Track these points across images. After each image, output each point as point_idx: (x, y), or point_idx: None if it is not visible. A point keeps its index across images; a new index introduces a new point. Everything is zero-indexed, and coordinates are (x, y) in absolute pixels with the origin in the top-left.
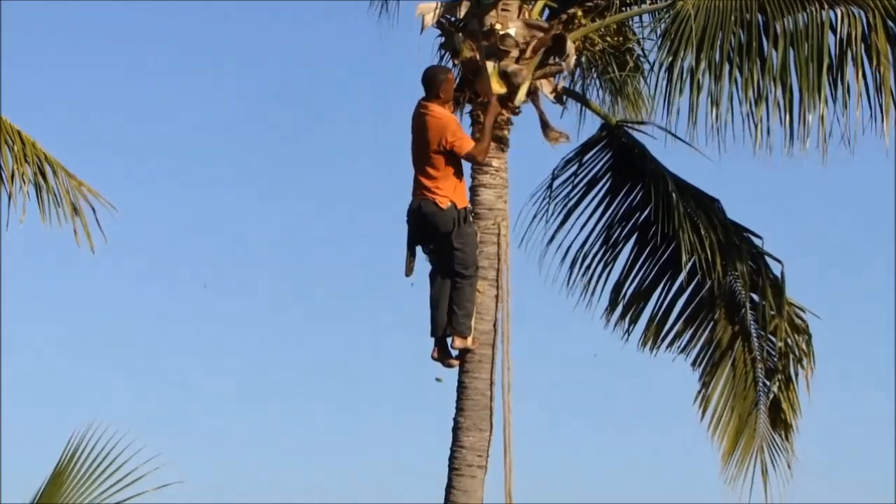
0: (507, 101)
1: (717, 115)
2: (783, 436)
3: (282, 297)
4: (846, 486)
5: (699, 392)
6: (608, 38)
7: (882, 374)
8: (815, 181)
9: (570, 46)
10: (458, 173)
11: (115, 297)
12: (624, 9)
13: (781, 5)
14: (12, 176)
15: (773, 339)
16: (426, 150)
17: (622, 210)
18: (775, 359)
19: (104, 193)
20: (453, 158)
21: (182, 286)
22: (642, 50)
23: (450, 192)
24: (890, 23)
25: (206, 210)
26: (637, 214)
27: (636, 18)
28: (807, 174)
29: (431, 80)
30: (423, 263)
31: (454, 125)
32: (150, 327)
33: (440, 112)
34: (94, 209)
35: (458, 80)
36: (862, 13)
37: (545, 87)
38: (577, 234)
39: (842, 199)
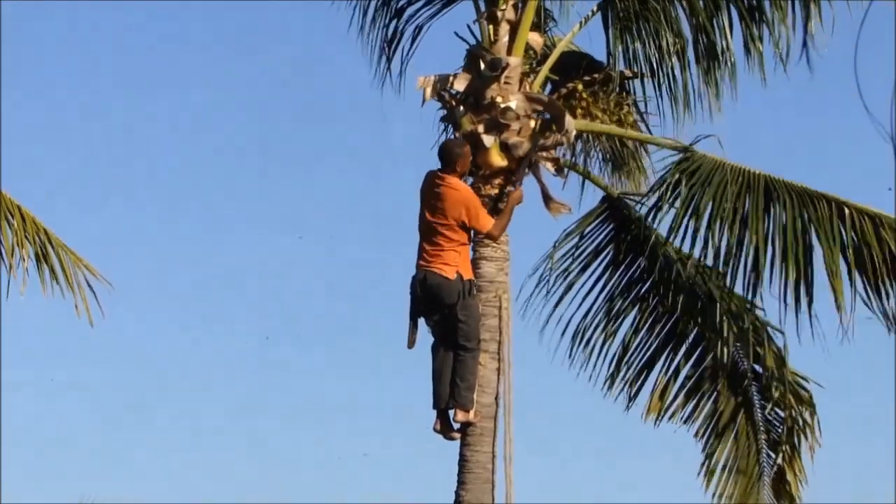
0: (508, 174)
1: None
2: None
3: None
4: (852, 489)
5: (703, 463)
6: (609, 112)
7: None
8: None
9: (570, 121)
10: (465, 245)
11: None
12: (626, 83)
13: None
14: (12, 251)
15: (776, 410)
16: (440, 221)
17: (623, 282)
18: (779, 430)
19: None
20: (465, 231)
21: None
22: (646, 123)
23: (457, 263)
24: None
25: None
26: (638, 286)
27: (638, 91)
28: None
29: (449, 153)
30: (426, 335)
31: (476, 201)
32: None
33: (460, 185)
34: (91, 287)
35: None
36: None
37: (546, 160)
38: (579, 306)
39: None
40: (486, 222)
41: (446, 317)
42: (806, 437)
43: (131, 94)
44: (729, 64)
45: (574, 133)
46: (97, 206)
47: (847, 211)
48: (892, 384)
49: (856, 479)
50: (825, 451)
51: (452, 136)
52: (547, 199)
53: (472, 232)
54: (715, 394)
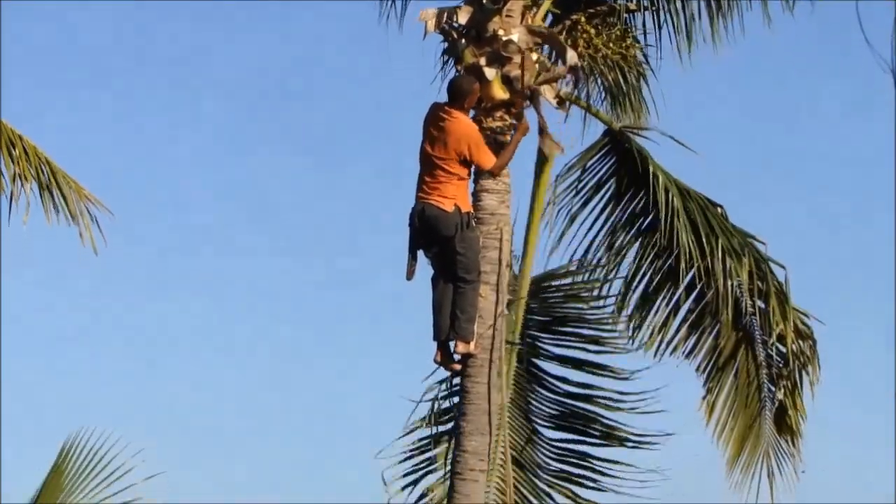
0: (509, 106)
1: None
2: (789, 441)
3: (277, 286)
4: (851, 489)
5: (704, 397)
6: (611, 45)
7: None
8: (819, 183)
9: (572, 54)
10: (465, 178)
11: (105, 298)
12: (627, 16)
13: None
14: (13, 178)
15: (778, 345)
16: (441, 154)
17: (625, 216)
18: (780, 364)
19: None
20: (465, 165)
21: (173, 286)
22: (645, 56)
23: (455, 195)
24: None
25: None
26: (640, 220)
27: (640, 24)
28: (810, 175)
29: (458, 88)
30: (425, 267)
31: (479, 137)
32: (140, 324)
33: (464, 120)
34: (91, 215)
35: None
36: None
37: (547, 93)
38: (581, 240)
39: (844, 201)
40: (488, 159)
41: (445, 249)
42: (807, 372)
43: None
44: None
45: (576, 66)
46: (98, 134)
47: None
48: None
49: (854, 416)
50: (824, 388)
51: (460, 73)
52: (543, 134)
53: (472, 167)
54: (716, 329)
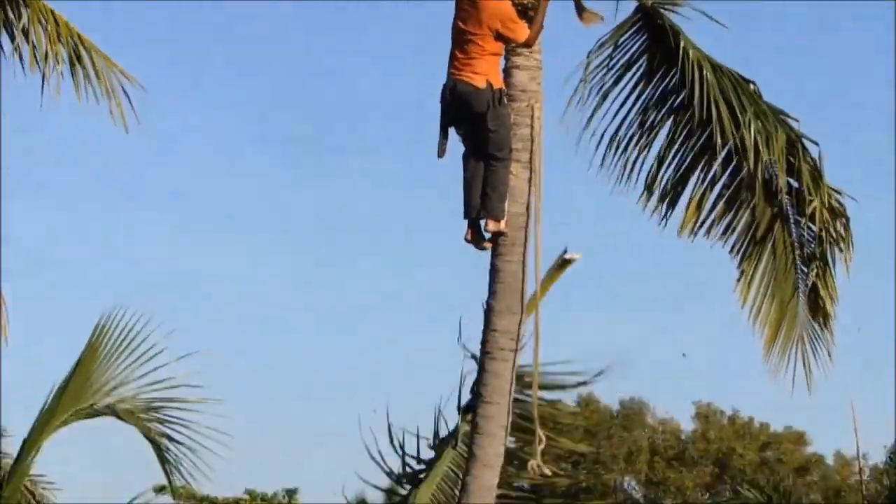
0: None
1: None
2: (822, 323)
3: (305, 166)
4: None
5: (739, 279)
6: None
7: None
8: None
9: None
10: (498, 54)
11: (140, 176)
12: None
13: None
14: (46, 56)
15: (810, 224)
16: (474, 29)
17: (658, 93)
18: (812, 244)
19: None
20: (499, 40)
21: (208, 158)
22: None
23: (487, 72)
24: None
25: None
26: (672, 98)
27: None
28: (848, 54)
29: None
30: (457, 144)
31: (511, 10)
32: (171, 202)
33: None
34: (125, 91)
35: None
36: None
37: None
38: (613, 118)
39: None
40: (522, 32)
41: (476, 126)
42: (840, 250)
43: None
44: None
45: None
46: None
47: None
48: None
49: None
50: (857, 268)
51: None
52: (580, 8)
53: (505, 42)
54: (750, 207)
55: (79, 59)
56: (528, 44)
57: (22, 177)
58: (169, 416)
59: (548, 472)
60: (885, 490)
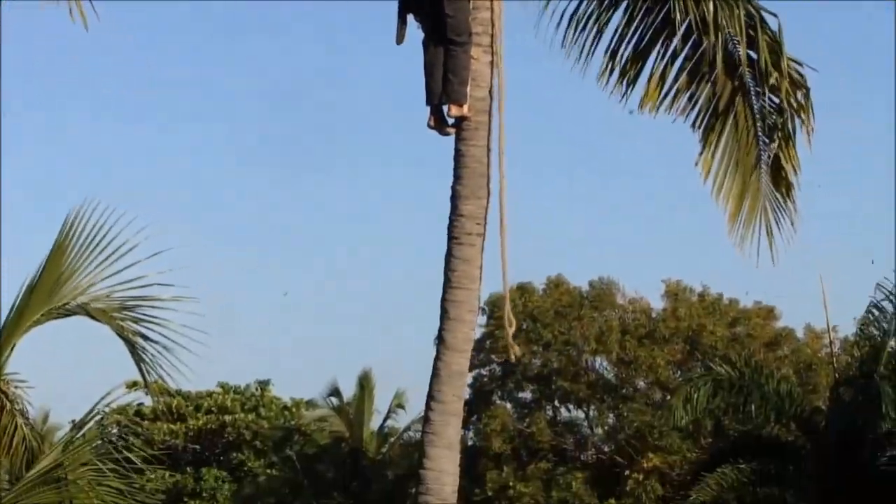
0: None
1: None
2: (785, 194)
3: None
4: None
5: (701, 153)
6: None
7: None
8: None
9: None
10: None
11: (114, 69)
12: None
13: None
14: None
15: (771, 96)
16: None
17: None
18: (774, 116)
19: None
20: None
21: (180, 63)
22: None
23: None
24: None
25: None
26: None
27: None
28: None
29: None
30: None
31: None
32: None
33: None
34: None
35: None
36: None
37: None
38: None
39: None
40: None
41: (435, 12)
42: (802, 121)
43: None
44: None
45: None
46: None
47: None
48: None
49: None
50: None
51: None
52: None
53: None
54: (712, 79)
55: None
56: None
57: None
58: (143, 314)
59: (519, 352)
60: (855, 362)
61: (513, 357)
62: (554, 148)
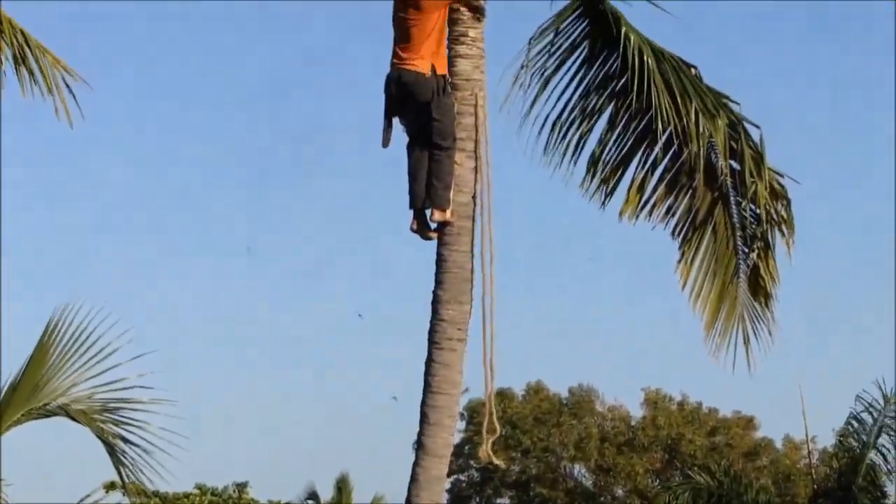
0: None
1: None
2: (763, 303)
3: (259, 164)
4: (826, 345)
5: (679, 260)
6: None
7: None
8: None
9: None
10: (440, 40)
11: (92, 173)
12: None
13: None
14: None
15: (752, 206)
16: (413, 14)
17: (599, 78)
18: (754, 225)
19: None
20: (439, 21)
21: (157, 161)
22: None
23: (431, 55)
24: None
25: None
26: (614, 83)
27: None
28: (785, 38)
29: None
30: (400, 134)
31: None
32: (126, 203)
33: None
34: (69, 87)
35: None
36: None
37: None
38: (555, 104)
39: (819, 66)
40: None
41: (421, 115)
42: (782, 233)
43: None
44: None
45: None
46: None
47: None
48: None
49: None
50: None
51: None
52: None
53: (447, 29)
54: (692, 188)
55: (23, 57)
56: (473, 2)
57: None
58: (123, 417)
59: (500, 463)
60: (834, 473)
61: (495, 463)
62: (535, 251)
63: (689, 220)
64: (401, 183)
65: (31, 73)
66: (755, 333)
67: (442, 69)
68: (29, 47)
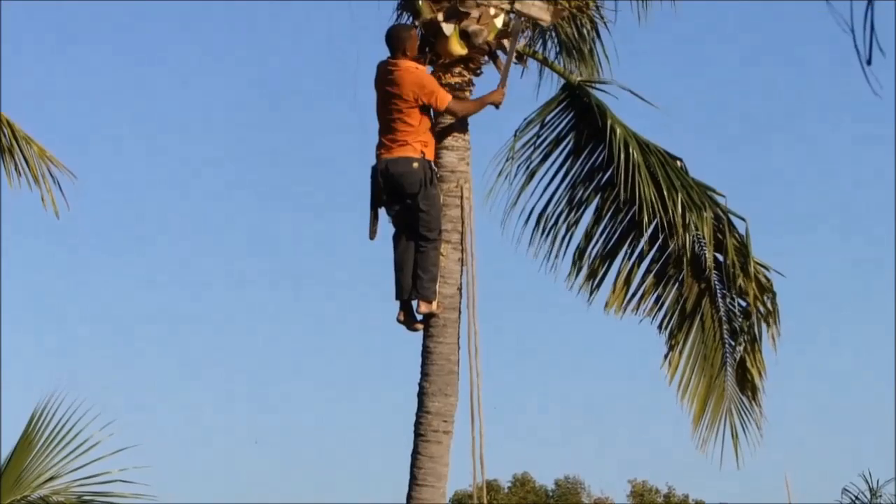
0: (468, 62)
1: None
2: (751, 397)
3: (239, 266)
4: (814, 440)
5: (666, 355)
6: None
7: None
8: (780, 146)
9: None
10: (428, 130)
11: (77, 265)
12: None
13: None
14: None
15: (738, 299)
16: (398, 105)
17: (585, 171)
18: (740, 319)
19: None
20: (424, 112)
21: (140, 257)
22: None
23: (418, 144)
24: None
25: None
26: (600, 175)
27: None
28: (768, 138)
29: (396, 38)
30: (387, 225)
31: (432, 79)
32: (106, 295)
33: (412, 66)
34: (54, 178)
35: (419, 40)
36: None
37: (506, 46)
38: (541, 196)
39: (800, 162)
40: (444, 98)
41: (407, 207)
42: (768, 326)
43: None
44: None
45: (548, 22)
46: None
47: None
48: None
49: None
50: (785, 342)
51: (405, 23)
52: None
53: (432, 118)
54: (679, 281)
55: (9, 146)
56: (451, 112)
57: None
58: None
59: None
60: None
61: None
62: (521, 343)
63: (677, 313)
64: (387, 272)
65: (17, 164)
66: (743, 427)
67: (430, 156)
68: (16, 139)
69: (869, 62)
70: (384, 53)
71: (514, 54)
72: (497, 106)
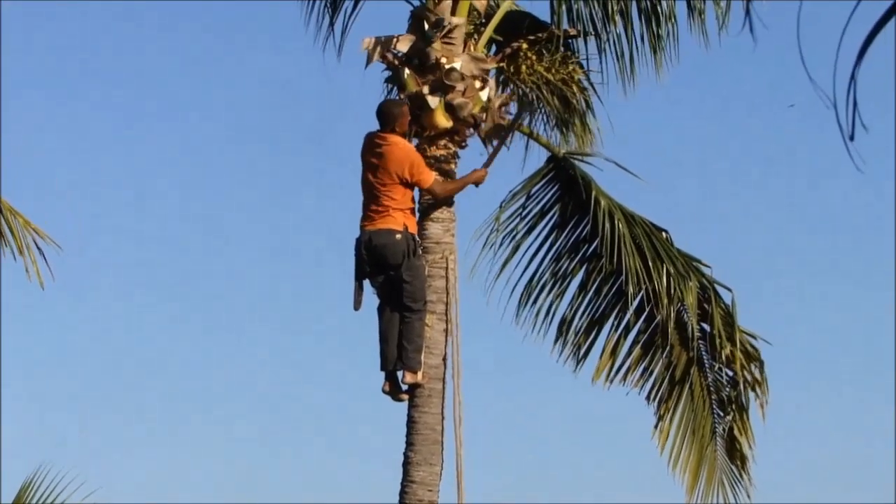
0: (453, 134)
1: None
2: (740, 466)
3: (225, 328)
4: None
5: (656, 426)
6: (554, 70)
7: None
8: (765, 207)
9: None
10: (410, 204)
11: (61, 333)
12: (570, 41)
13: None
14: None
15: (726, 369)
16: (383, 180)
17: (570, 242)
18: (728, 388)
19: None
20: (408, 188)
21: (125, 321)
22: (589, 81)
23: (402, 218)
24: None
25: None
26: (585, 247)
27: (583, 50)
28: (755, 201)
29: (387, 113)
30: (371, 296)
31: (418, 157)
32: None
33: (400, 142)
34: (40, 248)
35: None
36: None
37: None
38: (526, 268)
39: (790, 223)
40: (428, 177)
41: (391, 278)
42: (756, 395)
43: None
44: (672, 24)
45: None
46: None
47: None
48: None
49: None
50: (773, 410)
51: (396, 97)
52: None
53: (415, 193)
54: (667, 350)
55: None
56: (433, 193)
57: None
58: None
59: None
60: None
61: None
62: (505, 414)
63: (666, 381)
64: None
65: (1, 235)
66: (735, 498)
67: (412, 229)
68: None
69: (852, 138)
70: (369, 126)
71: (501, 147)
72: (478, 185)
